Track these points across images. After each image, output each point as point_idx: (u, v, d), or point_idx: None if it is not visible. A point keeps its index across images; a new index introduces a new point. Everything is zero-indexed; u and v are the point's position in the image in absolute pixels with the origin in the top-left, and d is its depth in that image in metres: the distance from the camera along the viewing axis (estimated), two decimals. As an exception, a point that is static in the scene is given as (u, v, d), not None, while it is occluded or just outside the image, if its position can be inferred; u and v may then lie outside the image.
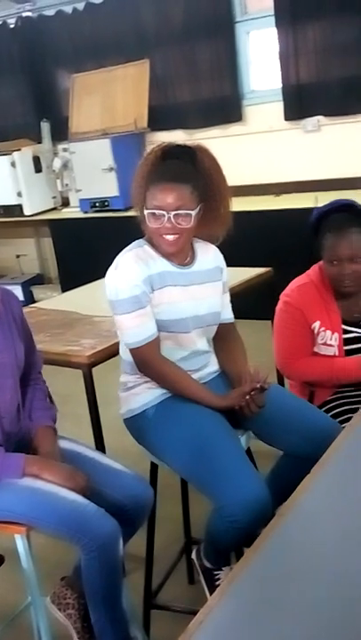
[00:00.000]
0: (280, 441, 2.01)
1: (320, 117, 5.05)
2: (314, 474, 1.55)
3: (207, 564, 1.96)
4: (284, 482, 1.61)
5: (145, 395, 2.00)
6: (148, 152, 1.97)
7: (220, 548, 1.89)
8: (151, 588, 2.19)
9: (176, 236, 1.91)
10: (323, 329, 2.27)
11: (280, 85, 5.11)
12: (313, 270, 2.36)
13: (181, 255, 1.99)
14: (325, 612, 1.15)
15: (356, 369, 2.23)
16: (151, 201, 1.89)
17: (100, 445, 2.37)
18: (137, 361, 1.96)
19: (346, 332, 2.29)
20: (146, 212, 1.90)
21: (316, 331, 2.28)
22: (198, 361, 2.05)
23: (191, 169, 1.90)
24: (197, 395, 1.94)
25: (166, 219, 1.88)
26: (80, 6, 5.79)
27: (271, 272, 3.22)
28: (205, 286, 2.03)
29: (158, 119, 5.61)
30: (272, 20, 5.00)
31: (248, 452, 2.02)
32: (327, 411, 2.27)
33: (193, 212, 1.89)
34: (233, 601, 1.20)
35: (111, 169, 5.50)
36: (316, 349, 2.30)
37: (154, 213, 1.89)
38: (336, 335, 2.27)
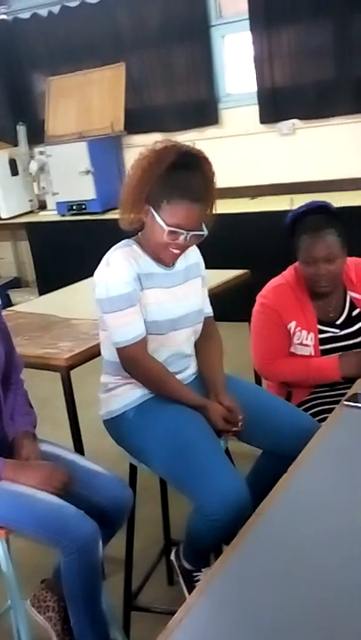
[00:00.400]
0: (259, 440, 2.03)
1: (295, 121, 5.10)
2: (291, 473, 1.57)
3: (186, 566, 1.96)
4: (265, 481, 1.62)
5: (125, 396, 2.01)
6: (153, 155, 1.87)
7: (200, 549, 1.90)
8: (131, 589, 2.20)
9: (182, 250, 1.94)
10: (299, 329, 2.29)
11: (255, 89, 5.14)
12: (288, 271, 2.38)
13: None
14: (303, 610, 1.16)
15: (331, 369, 2.25)
16: (171, 217, 1.86)
17: (78, 448, 2.37)
18: (124, 360, 1.95)
19: (321, 331, 2.31)
20: (164, 226, 1.86)
21: (292, 331, 2.30)
22: (182, 363, 2.06)
23: (202, 184, 1.89)
24: (182, 396, 1.95)
25: (183, 237, 1.88)
26: (55, 9, 5.78)
27: (248, 274, 3.24)
28: (187, 285, 2.04)
29: (135, 122, 5.62)
30: (247, 23, 5.03)
31: (227, 452, 2.04)
32: (304, 411, 2.29)
33: (205, 232, 1.92)
34: (212, 599, 1.22)
35: (88, 172, 5.50)
36: (292, 350, 2.33)
37: (174, 231, 1.87)
38: (312, 335, 2.30)
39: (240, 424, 1.95)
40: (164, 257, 1.95)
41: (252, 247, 4.37)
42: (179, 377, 2.03)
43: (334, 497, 1.47)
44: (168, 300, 1.97)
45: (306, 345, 2.30)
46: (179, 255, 1.96)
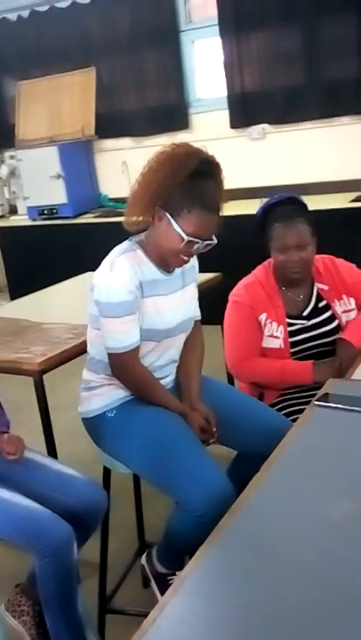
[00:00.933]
0: (234, 440, 2.05)
1: (265, 125, 5.15)
2: (263, 471, 1.59)
3: (160, 569, 1.97)
4: (240, 481, 1.64)
5: (107, 396, 2.01)
6: (175, 160, 1.83)
7: (180, 549, 1.90)
8: (105, 592, 2.20)
9: (190, 258, 1.95)
10: (269, 321, 2.35)
11: (225, 94, 5.18)
12: (258, 270, 2.45)
13: (165, 262, 1.97)
14: (277, 606, 1.18)
15: (304, 373, 2.29)
16: (191, 227, 1.83)
17: (52, 452, 2.36)
18: (114, 365, 1.95)
19: (290, 324, 2.37)
20: (184, 236, 1.83)
21: (263, 323, 2.35)
22: (168, 369, 2.08)
23: (219, 193, 1.88)
24: (165, 403, 1.96)
25: (197, 246, 1.88)
26: (25, 14, 5.77)
27: (220, 277, 3.26)
28: (185, 290, 2.05)
29: (106, 127, 5.62)
30: (216, 29, 5.08)
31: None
32: (275, 405, 2.33)
33: (216, 241, 1.91)
34: (185, 598, 1.22)
35: (59, 176, 5.48)
36: (263, 344, 2.36)
37: (191, 241, 1.85)
38: (282, 328, 2.35)
39: (215, 435, 1.97)
40: (172, 263, 1.94)
41: (223, 250, 4.37)
42: (163, 382, 2.04)
43: (306, 494, 1.49)
44: (166, 309, 1.96)
45: (276, 337, 2.35)
46: (187, 262, 1.95)
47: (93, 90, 5.59)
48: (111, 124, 5.62)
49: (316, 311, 2.40)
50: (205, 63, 5.42)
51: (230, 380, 2.76)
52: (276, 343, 2.35)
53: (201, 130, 5.39)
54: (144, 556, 2.02)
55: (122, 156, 5.62)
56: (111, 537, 2.18)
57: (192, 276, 2.10)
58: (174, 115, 5.44)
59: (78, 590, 1.80)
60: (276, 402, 2.37)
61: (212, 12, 5.08)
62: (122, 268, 1.87)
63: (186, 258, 1.92)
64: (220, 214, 1.90)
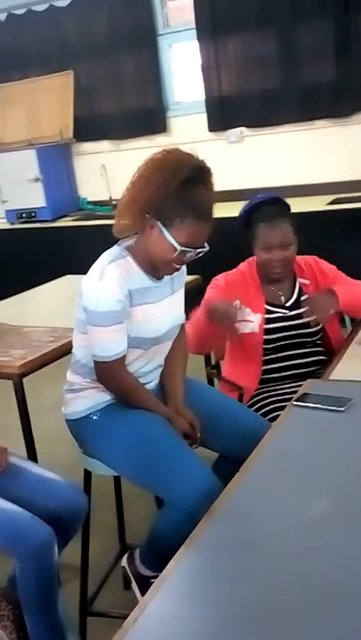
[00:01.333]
0: (215, 443, 2.05)
1: (243, 128, 5.18)
2: (242, 471, 1.60)
3: (143, 571, 1.97)
4: (222, 483, 1.65)
5: (91, 399, 2.00)
6: (168, 169, 1.80)
7: (167, 550, 1.88)
8: (87, 595, 2.20)
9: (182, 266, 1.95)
10: (243, 307, 2.36)
11: (203, 97, 5.20)
12: (242, 264, 2.54)
13: (154, 269, 1.96)
14: (257, 604, 1.19)
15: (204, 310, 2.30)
16: (184, 237, 1.81)
17: (32, 455, 2.36)
18: (101, 373, 1.95)
19: (270, 312, 2.44)
20: (177, 246, 1.81)
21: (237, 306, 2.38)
22: (154, 374, 2.08)
23: (211, 201, 1.86)
24: (150, 407, 1.97)
25: (189, 255, 1.86)
26: (2, 17, 5.75)
27: (200, 280, 3.27)
28: (173, 297, 2.04)
29: (84, 130, 5.62)
30: (194, 33, 5.09)
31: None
32: (255, 405, 2.37)
33: (207, 247, 1.90)
34: (167, 597, 1.23)
35: (37, 179, 5.47)
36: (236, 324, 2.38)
37: (184, 250, 1.83)
38: (258, 316, 2.41)
39: (198, 441, 1.98)
40: (163, 271, 1.94)
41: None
42: (147, 387, 2.05)
43: (285, 494, 1.51)
44: (156, 318, 1.96)
45: (249, 320, 2.39)
46: (178, 270, 1.95)
47: (71, 93, 5.58)
48: (90, 127, 5.62)
49: (298, 304, 2.46)
50: (183, 67, 5.44)
51: (210, 379, 2.78)
52: (249, 327, 2.39)
53: (179, 133, 5.41)
54: (125, 558, 2.02)
55: (100, 159, 5.63)
56: (92, 540, 2.18)
57: (181, 281, 2.10)
58: (153, 118, 5.45)
59: (59, 593, 1.80)
60: (255, 396, 2.40)
61: (190, 16, 5.10)
62: (112, 276, 1.85)
63: (177, 266, 1.92)
64: (212, 219, 1.88)
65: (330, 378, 2.10)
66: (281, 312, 2.44)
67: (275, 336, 2.43)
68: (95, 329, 1.89)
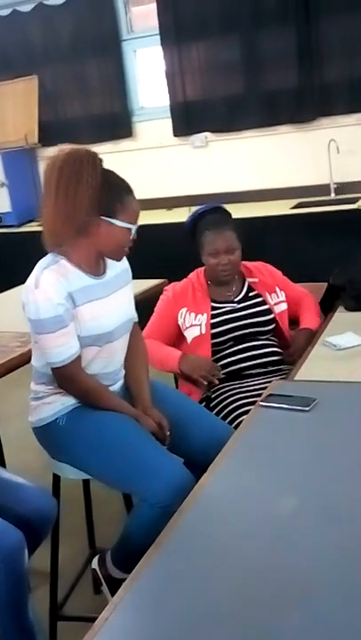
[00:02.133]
0: (181, 449, 2.05)
1: (207, 134, 5.21)
2: (210, 472, 1.63)
3: (114, 573, 1.96)
4: None
5: (56, 404, 2.01)
6: (82, 171, 1.83)
7: (140, 549, 1.87)
8: (57, 599, 2.20)
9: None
10: (188, 313, 2.55)
11: (168, 102, 5.23)
12: (193, 273, 2.68)
13: (95, 266, 1.99)
14: (227, 602, 1.21)
15: (173, 360, 2.46)
16: (130, 215, 1.91)
17: None
18: (59, 379, 1.95)
19: (216, 308, 2.56)
20: (131, 226, 1.91)
21: (182, 316, 2.55)
22: (118, 375, 2.10)
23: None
24: (115, 407, 1.98)
25: (134, 232, 1.94)
26: (-35, 21, 5.71)
27: (166, 283, 3.28)
28: (121, 292, 2.06)
29: (49, 134, 5.59)
30: (158, 38, 5.13)
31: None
32: (220, 404, 2.41)
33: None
34: (137, 597, 1.25)
35: (2, 184, 5.44)
36: (186, 334, 2.54)
37: (130, 229, 1.92)
38: (205, 315, 2.53)
39: (167, 441, 1.99)
40: (117, 257, 2.00)
41: (169, 257, 4.43)
42: (112, 389, 2.06)
43: (253, 493, 1.54)
44: (103, 314, 1.96)
45: (195, 325, 2.53)
46: (128, 252, 2.01)
47: (36, 98, 5.57)
48: (55, 131, 5.59)
49: (247, 298, 2.60)
50: (148, 72, 5.46)
51: (176, 382, 2.80)
52: (196, 330, 2.52)
53: (145, 138, 5.44)
54: (95, 560, 2.01)
55: (66, 163, 5.61)
56: (61, 544, 2.18)
57: (126, 278, 2.12)
58: (118, 123, 5.46)
59: (30, 598, 1.79)
60: (221, 398, 2.43)
61: (154, 21, 5.13)
62: (47, 282, 1.86)
63: (128, 248, 1.98)
64: None
65: (295, 378, 2.13)
66: (229, 306, 2.56)
67: (222, 328, 2.53)
68: (42, 337, 1.90)
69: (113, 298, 2.02)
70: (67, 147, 1.89)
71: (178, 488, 1.72)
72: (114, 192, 1.87)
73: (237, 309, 2.56)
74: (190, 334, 2.53)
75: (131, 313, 2.12)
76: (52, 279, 1.87)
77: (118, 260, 2.01)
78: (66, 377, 1.94)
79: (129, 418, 1.96)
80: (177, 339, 2.58)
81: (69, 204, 1.84)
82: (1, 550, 1.66)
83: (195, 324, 2.53)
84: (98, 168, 1.84)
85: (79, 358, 1.93)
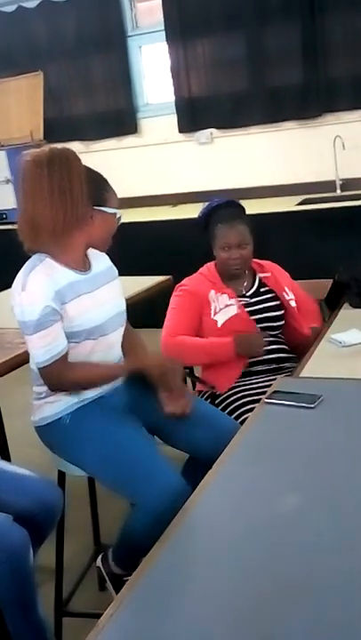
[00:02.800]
0: (185, 444, 2.07)
1: (212, 130, 5.21)
2: (214, 469, 1.62)
3: (116, 570, 1.98)
4: (194, 484, 1.67)
5: (59, 403, 2.00)
6: (71, 166, 1.86)
7: (136, 550, 1.88)
8: (62, 596, 2.20)
9: None
10: (219, 294, 2.53)
11: (173, 99, 5.23)
12: (203, 268, 2.66)
13: (82, 262, 2.00)
14: (231, 600, 1.21)
15: (228, 345, 2.43)
16: (113, 201, 2.00)
17: (5, 457, 2.36)
18: (47, 378, 1.94)
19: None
20: (117, 211, 2.01)
21: (212, 299, 2.53)
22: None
23: None
24: (115, 376, 2.02)
25: (119, 217, 2.02)
26: (-30, 18, 5.71)
27: (170, 280, 3.29)
28: (108, 287, 2.06)
29: (54, 131, 5.60)
30: (163, 34, 5.12)
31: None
32: (226, 401, 2.41)
33: None
34: (142, 593, 1.25)
35: (8, 181, 5.44)
36: (219, 317, 2.51)
37: (115, 214, 2.00)
38: (234, 299, 2.53)
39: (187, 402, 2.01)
40: (105, 246, 2.05)
41: (174, 253, 4.43)
42: (112, 384, 2.05)
43: (256, 490, 1.53)
44: (90, 308, 1.97)
45: (230, 305, 2.52)
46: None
47: (41, 94, 5.56)
48: (60, 128, 5.61)
49: (259, 293, 2.60)
50: (153, 68, 5.46)
51: (194, 386, 2.80)
52: (233, 310, 2.51)
53: (149, 134, 5.43)
54: (99, 558, 2.03)
55: (71, 160, 5.61)
56: (67, 541, 2.18)
57: (112, 274, 2.13)
58: (123, 119, 5.46)
59: (38, 594, 1.79)
60: (227, 395, 2.43)
61: (159, 17, 5.12)
62: (34, 284, 1.87)
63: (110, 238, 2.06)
64: None
65: (300, 375, 2.13)
66: (244, 300, 2.57)
67: (233, 322, 2.51)
68: (30, 338, 1.90)
69: (99, 292, 2.02)
70: (35, 150, 1.88)
71: (173, 498, 1.71)
72: (98, 182, 1.97)
73: (251, 304, 2.57)
74: (227, 314, 2.51)
75: (121, 306, 2.11)
76: (39, 280, 1.87)
77: (104, 250, 2.05)
78: (53, 375, 1.93)
79: (134, 421, 1.97)
80: (201, 331, 2.56)
81: (67, 199, 1.84)
82: (6, 549, 1.66)
83: (229, 304, 2.52)
84: (80, 162, 1.89)
85: (66, 355, 1.93)
